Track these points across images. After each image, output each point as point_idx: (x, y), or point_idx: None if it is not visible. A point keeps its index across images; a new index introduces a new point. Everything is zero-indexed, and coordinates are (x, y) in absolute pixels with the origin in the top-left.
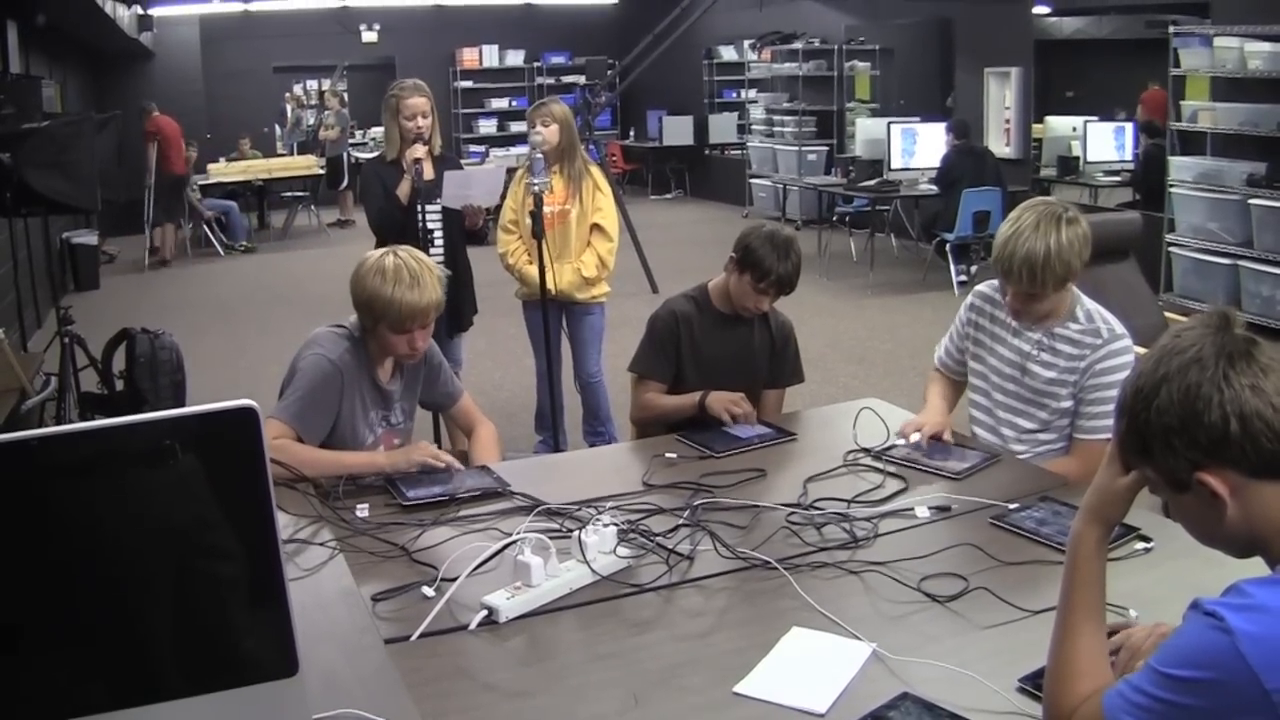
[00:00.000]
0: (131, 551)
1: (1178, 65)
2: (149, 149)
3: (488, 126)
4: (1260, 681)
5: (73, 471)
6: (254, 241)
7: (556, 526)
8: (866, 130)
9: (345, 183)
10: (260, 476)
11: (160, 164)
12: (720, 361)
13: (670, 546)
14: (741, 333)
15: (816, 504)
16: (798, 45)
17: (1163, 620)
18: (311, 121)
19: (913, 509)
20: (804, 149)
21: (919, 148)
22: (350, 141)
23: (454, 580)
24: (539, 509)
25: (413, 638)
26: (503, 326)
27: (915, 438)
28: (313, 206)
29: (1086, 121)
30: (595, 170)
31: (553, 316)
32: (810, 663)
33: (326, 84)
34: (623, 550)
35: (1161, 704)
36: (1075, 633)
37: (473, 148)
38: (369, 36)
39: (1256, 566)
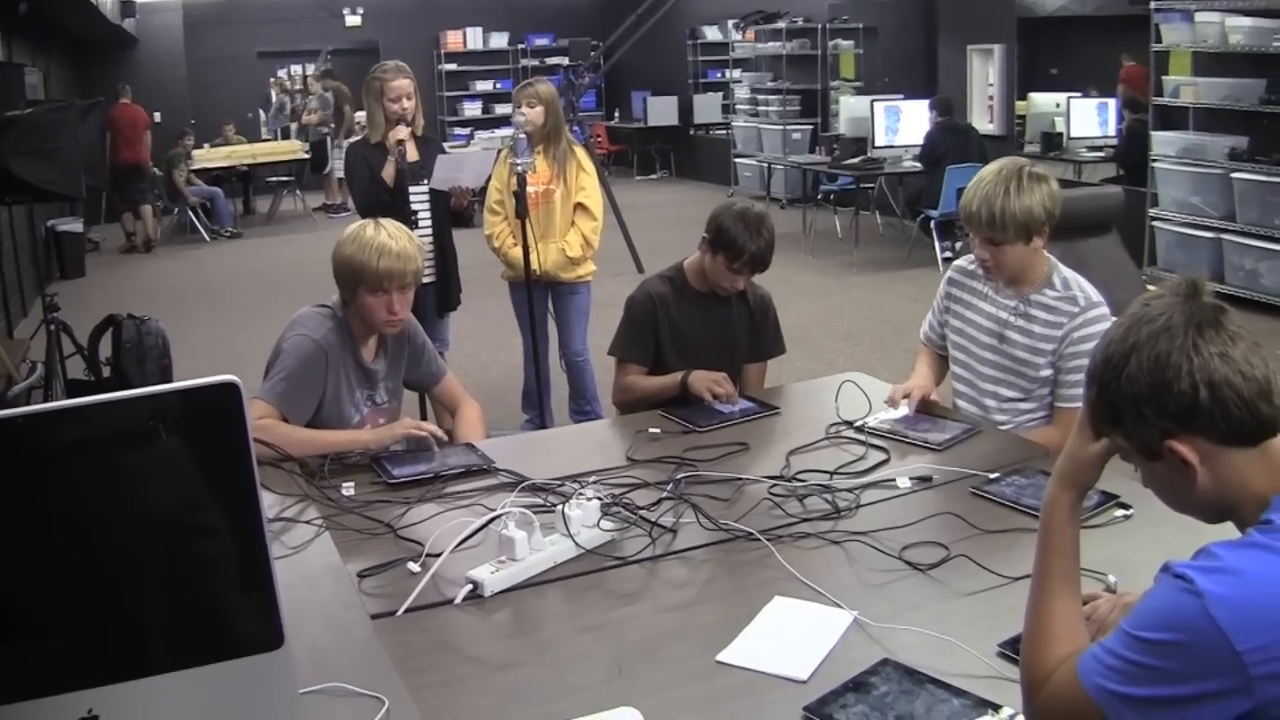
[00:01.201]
0: (117, 527)
1: (1159, 41)
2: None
3: (472, 109)
4: (1231, 643)
5: (58, 448)
6: (239, 227)
7: (541, 501)
8: (850, 108)
9: (329, 167)
10: (243, 450)
11: (111, 154)
12: (700, 340)
13: (653, 519)
14: (720, 309)
15: (799, 476)
16: (781, 24)
17: (1141, 587)
18: (295, 105)
19: (894, 480)
20: (788, 128)
21: (903, 125)
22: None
23: (439, 556)
24: (523, 484)
25: (399, 613)
26: (489, 308)
27: (904, 405)
28: (298, 191)
29: (1070, 98)
30: (579, 150)
31: (538, 296)
32: (792, 631)
33: (311, 68)
34: (606, 524)
35: (1134, 666)
36: (1051, 597)
37: (457, 130)
38: (353, 20)
39: (1231, 531)
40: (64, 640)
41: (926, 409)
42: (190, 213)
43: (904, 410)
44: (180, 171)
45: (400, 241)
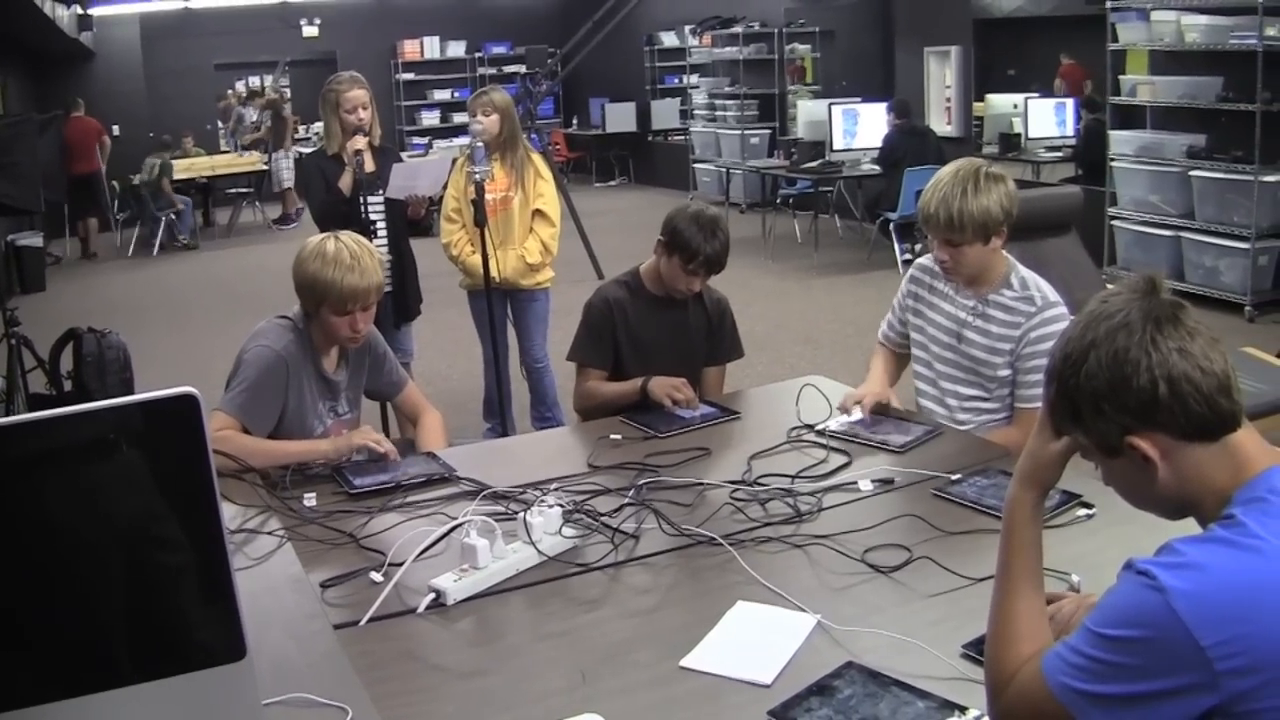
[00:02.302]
0: (79, 540)
1: (1116, 40)
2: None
3: (430, 118)
4: (1194, 638)
5: (19, 462)
6: (197, 239)
7: (502, 509)
8: (808, 112)
9: (276, 180)
10: (203, 462)
11: (65, 166)
12: (658, 343)
13: (615, 526)
14: (677, 313)
15: (760, 480)
16: (738, 29)
17: (1104, 586)
18: (254, 118)
19: (856, 482)
20: (746, 132)
21: (860, 128)
22: (295, 137)
23: (401, 565)
24: (485, 493)
25: (362, 622)
26: (449, 317)
27: (857, 411)
28: (257, 203)
29: (1027, 98)
30: (536, 157)
31: (498, 304)
32: (756, 635)
33: (269, 80)
34: (568, 530)
35: (1098, 663)
36: (1014, 596)
37: (415, 140)
38: (309, 31)
39: (1194, 528)
40: (27, 654)
41: (882, 412)
42: (165, 222)
43: (857, 415)
44: (166, 180)
45: (363, 260)
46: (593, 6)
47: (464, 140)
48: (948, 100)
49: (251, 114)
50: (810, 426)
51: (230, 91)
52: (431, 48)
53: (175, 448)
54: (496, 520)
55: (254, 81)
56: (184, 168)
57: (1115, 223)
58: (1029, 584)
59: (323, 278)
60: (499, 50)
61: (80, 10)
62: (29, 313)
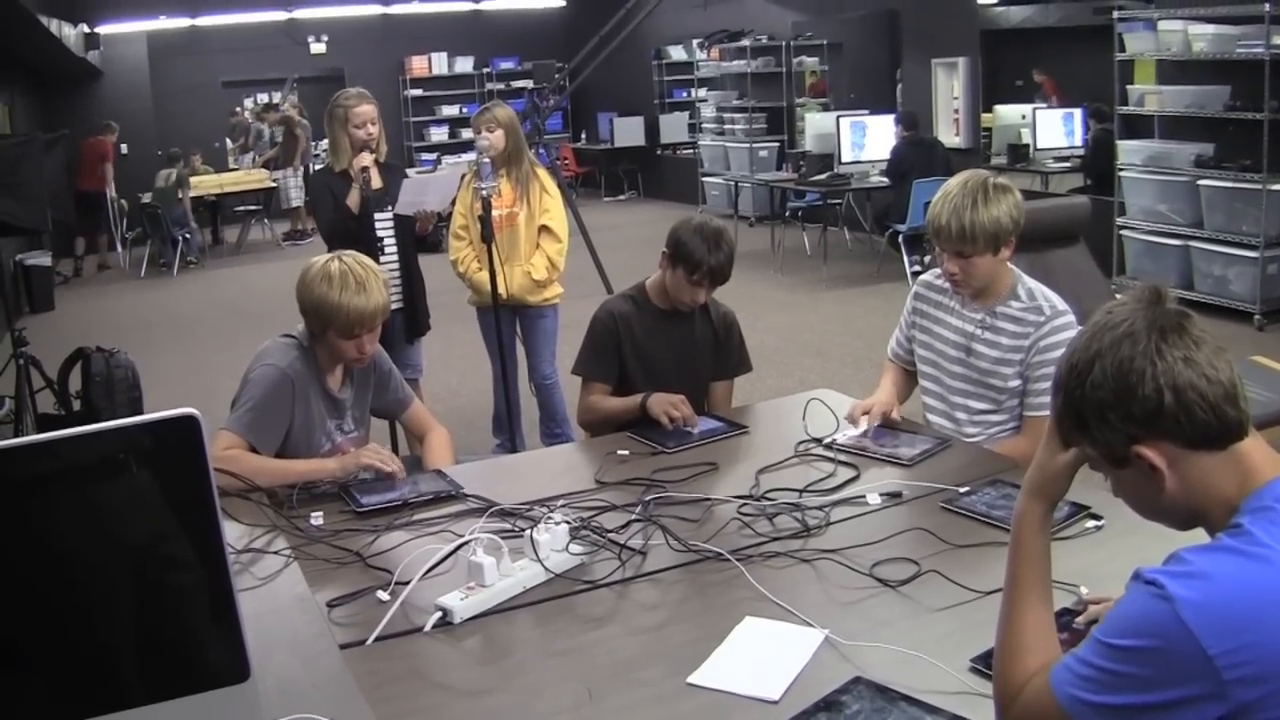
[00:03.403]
0: (84, 561)
1: (1123, 50)
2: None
3: (439, 134)
4: (1202, 647)
5: (19, 484)
6: (205, 258)
7: (509, 526)
8: (816, 125)
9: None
10: (204, 482)
11: (74, 183)
12: (664, 358)
13: (622, 542)
14: (683, 327)
15: (768, 495)
16: (746, 42)
17: (1112, 598)
18: (268, 134)
19: (864, 496)
20: (755, 146)
21: (869, 140)
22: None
23: (408, 583)
24: (492, 510)
25: (368, 641)
26: (458, 333)
27: (864, 422)
28: (266, 220)
29: (1035, 109)
30: (542, 172)
31: (506, 320)
32: (763, 651)
33: (278, 97)
34: (575, 547)
35: (1107, 674)
36: (1022, 609)
37: (424, 155)
38: (317, 48)
39: (1202, 538)
40: (29, 676)
41: (889, 425)
42: (180, 240)
43: (864, 427)
44: (185, 193)
45: (368, 282)
46: (600, 21)
47: (472, 156)
48: (956, 112)
49: (267, 130)
50: (818, 440)
51: (239, 109)
52: (439, 63)
53: (176, 469)
54: (503, 537)
55: (262, 98)
56: (192, 185)
57: (1124, 232)
58: (1037, 596)
59: (329, 301)
60: (507, 65)
61: (87, 29)
62: (37, 332)
